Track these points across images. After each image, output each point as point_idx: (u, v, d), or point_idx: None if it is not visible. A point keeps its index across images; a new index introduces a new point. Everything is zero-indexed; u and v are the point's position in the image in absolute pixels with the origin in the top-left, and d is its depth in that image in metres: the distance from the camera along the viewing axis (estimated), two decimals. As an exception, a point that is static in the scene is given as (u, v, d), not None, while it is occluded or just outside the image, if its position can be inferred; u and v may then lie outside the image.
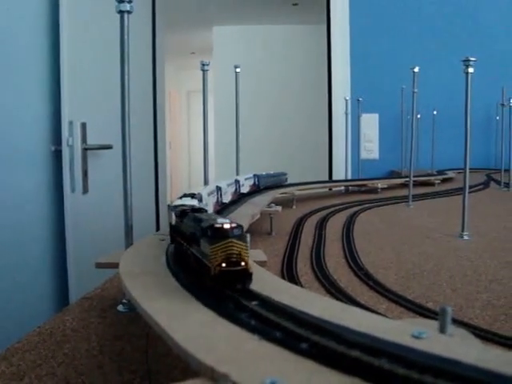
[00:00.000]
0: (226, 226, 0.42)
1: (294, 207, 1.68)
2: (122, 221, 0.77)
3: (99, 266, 0.70)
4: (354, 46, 2.80)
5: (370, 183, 2.17)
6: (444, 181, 2.37)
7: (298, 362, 0.31)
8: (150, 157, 2.72)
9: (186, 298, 0.44)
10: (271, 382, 0.28)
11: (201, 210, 0.58)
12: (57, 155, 1.68)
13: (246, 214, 1.07)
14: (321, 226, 1.33)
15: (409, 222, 1.45)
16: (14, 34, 1.52)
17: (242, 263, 0.41)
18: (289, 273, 0.88)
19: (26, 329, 0.64)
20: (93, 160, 1.83)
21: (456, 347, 0.31)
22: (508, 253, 1.03)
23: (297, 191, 1.73)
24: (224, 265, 0.40)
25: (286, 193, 1.66)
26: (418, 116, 2.38)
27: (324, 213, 1.55)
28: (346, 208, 1.66)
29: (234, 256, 0.41)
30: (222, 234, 0.41)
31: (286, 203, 1.63)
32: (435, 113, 2.70)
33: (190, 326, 0.37)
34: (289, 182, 1.78)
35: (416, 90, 1.62)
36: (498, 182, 2.25)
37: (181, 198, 0.75)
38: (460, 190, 1.28)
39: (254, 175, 1.44)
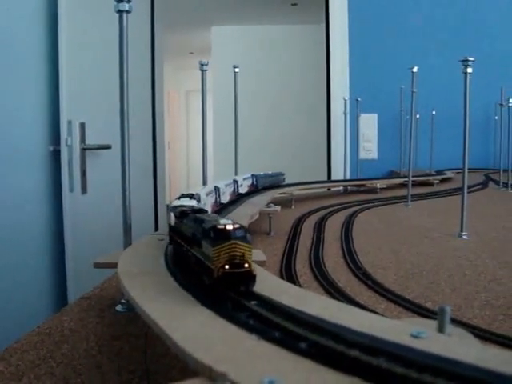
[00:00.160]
0: (229, 226, 0.41)
1: (293, 207, 1.68)
2: (121, 220, 0.77)
3: (97, 266, 0.70)
4: (353, 45, 2.80)
5: (368, 183, 2.17)
6: (443, 181, 2.37)
7: (297, 361, 0.31)
8: (149, 157, 2.73)
9: (184, 297, 0.44)
10: (269, 382, 0.28)
11: (201, 211, 0.57)
12: (55, 155, 1.68)
13: (244, 214, 1.07)
14: (320, 225, 1.33)
15: (408, 221, 1.45)
16: (13, 34, 1.52)
17: (246, 265, 0.40)
18: (287, 273, 0.87)
19: (24, 329, 0.64)
20: (91, 160, 1.82)
21: (455, 347, 0.31)
22: (507, 253, 1.03)
23: (296, 191, 1.73)
24: (227, 267, 0.40)
25: (284, 193, 1.66)
26: (417, 116, 2.39)
27: (323, 213, 1.55)
28: (345, 208, 1.66)
29: (238, 258, 0.40)
30: (224, 235, 0.40)
31: (284, 203, 1.63)
32: (434, 113, 2.70)
33: (189, 325, 0.37)
34: (288, 181, 1.78)
35: (415, 90, 1.62)
36: (497, 182, 2.25)
37: (179, 198, 0.75)
38: (459, 190, 1.28)
39: (252, 175, 1.44)
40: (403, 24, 2.87)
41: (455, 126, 1.69)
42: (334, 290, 0.77)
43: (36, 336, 0.61)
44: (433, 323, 0.36)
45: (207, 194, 0.93)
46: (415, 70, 1.59)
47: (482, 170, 2.73)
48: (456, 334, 0.36)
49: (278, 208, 1.25)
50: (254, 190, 1.43)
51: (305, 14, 4.44)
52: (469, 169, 1.19)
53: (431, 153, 2.71)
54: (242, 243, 0.40)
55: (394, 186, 2.20)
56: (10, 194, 1.50)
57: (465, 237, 1.16)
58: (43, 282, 1.66)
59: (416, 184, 2.12)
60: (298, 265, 0.93)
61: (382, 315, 0.60)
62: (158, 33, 2.88)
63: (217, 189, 1.04)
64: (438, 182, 2.32)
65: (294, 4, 4.44)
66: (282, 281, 0.50)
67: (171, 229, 0.61)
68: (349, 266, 0.92)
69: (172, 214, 0.60)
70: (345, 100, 2.49)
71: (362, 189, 2.18)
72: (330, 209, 1.63)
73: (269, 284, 0.45)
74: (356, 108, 2.54)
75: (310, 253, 1.02)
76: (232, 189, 1.20)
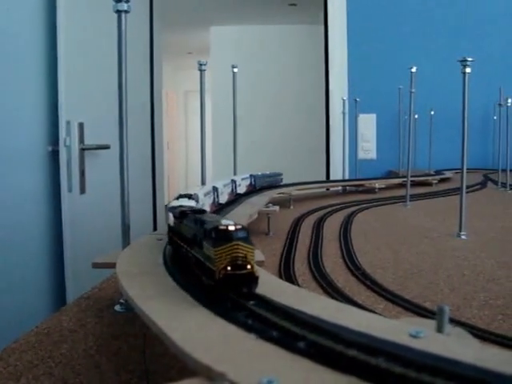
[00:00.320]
0: (231, 227, 0.40)
1: (292, 207, 1.68)
2: (119, 221, 0.77)
3: (96, 266, 0.70)
4: (352, 46, 2.80)
5: (367, 183, 2.17)
6: (441, 181, 2.38)
7: (295, 360, 0.31)
8: (148, 157, 2.72)
9: (183, 297, 0.44)
10: (268, 381, 0.28)
11: (201, 212, 0.57)
12: (54, 155, 1.68)
13: (243, 214, 1.07)
14: (318, 225, 1.33)
15: (406, 221, 1.45)
16: (12, 34, 1.52)
17: (248, 266, 0.40)
18: (286, 273, 0.87)
19: (23, 329, 0.64)
20: (90, 160, 1.82)
21: (453, 346, 0.31)
22: (505, 253, 1.03)
23: (294, 191, 1.73)
24: (229, 268, 0.39)
25: (283, 193, 1.66)
26: (416, 116, 2.38)
27: (321, 213, 1.55)
28: (344, 208, 1.66)
29: (240, 259, 0.39)
30: (226, 236, 0.40)
31: (283, 203, 1.63)
32: (433, 113, 2.70)
33: (187, 325, 0.37)
34: (286, 181, 1.78)
35: (413, 90, 1.62)
36: (496, 182, 2.26)
37: (177, 198, 0.75)
38: (457, 190, 1.28)
39: (251, 175, 1.43)
40: (402, 24, 2.87)
41: (454, 126, 1.69)
42: (332, 290, 0.77)
43: (34, 336, 0.61)
44: (431, 323, 0.36)
45: (205, 195, 0.93)
46: (414, 70, 1.59)
47: (481, 170, 2.73)
48: (455, 334, 0.36)
49: (277, 208, 1.25)
50: (252, 190, 1.43)
51: (303, 15, 4.44)
52: (467, 169, 1.19)
53: (430, 153, 2.71)
54: (245, 244, 0.40)
55: (392, 186, 2.21)
56: (9, 194, 1.50)
57: (463, 237, 1.16)
58: (42, 282, 1.66)
59: (415, 184, 2.12)
60: (297, 265, 0.93)
61: (381, 315, 0.60)
62: (157, 33, 2.88)
63: (215, 189, 1.04)
64: (436, 182, 2.32)
65: (293, 4, 4.44)
66: (280, 281, 0.50)
67: (170, 229, 0.61)
68: (347, 266, 0.92)
69: (171, 215, 0.60)
70: (343, 100, 2.49)
71: (360, 189, 2.18)
72: (329, 209, 1.63)
73: (267, 284, 0.45)
74: (355, 108, 2.54)
75: (309, 253, 1.02)
76: (230, 189, 1.20)
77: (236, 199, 1.26)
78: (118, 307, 0.70)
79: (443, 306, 0.35)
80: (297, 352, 0.31)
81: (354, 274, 0.86)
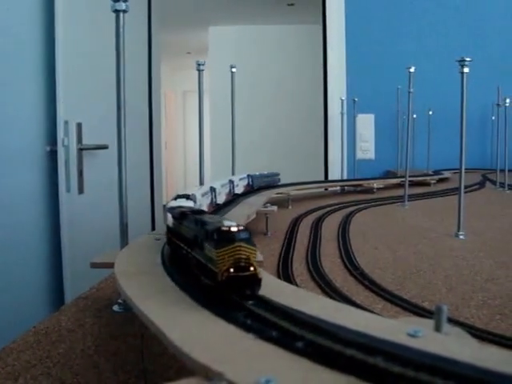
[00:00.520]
0: (233, 228, 0.39)
1: (290, 207, 1.68)
2: (118, 220, 0.77)
3: (94, 265, 0.70)
4: (350, 46, 2.80)
5: (365, 183, 2.18)
6: (440, 181, 2.38)
7: (293, 360, 0.31)
8: (146, 157, 2.72)
9: (181, 297, 0.44)
10: (266, 381, 0.28)
11: (201, 212, 0.56)
12: (52, 155, 1.68)
13: (241, 215, 1.07)
14: (316, 225, 1.33)
15: (405, 221, 1.45)
16: (10, 34, 1.51)
17: (251, 268, 0.39)
18: (284, 273, 0.87)
19: (21, 329, 0.63)
20: (88, 160, 1.82)
21: (451, 346, 0.31)
22: (503, 252, 1.04)
23: (292, 191, 1.73)
24: (232, 270, 0.38)
25: (281, 193, 1.66)
26: (414, 116, 2.39)
27: (320, 213, 1.55)
28: (342, 208, 1.66)
29: (243, 261, 0.39)
30: (229, 237, 0.39)
31: (281, 203, 1.63)
32: (431, 113, 2.70)
33: (185, 325, 0.37)
34: (285, 182, 1.78)
35: (412, 90, 1.62)
36: (494, 182, 2.26)
37: (175, 199, 0.74)
38: (456, 190, 1.28)
39: (248, 175, 1.43)
40: (400, 24, 2.88)
41: (452, 126, 1.69)
42: (331, 290, 0.77)
43: (33, 336, 0.61)
44: (430, 323, 0.36)
45: (203, 195, 0.93)
46: (412, 70, 1.59)
47: (479, 170, 2.73)
48: (453, 333, 0.36)
49: (275, 208, 1.25)
50: (250, 191, 1.43)
51: (302, 15, 4.45)
52: (466, 169, 1.19)
53: (428, 153, 2.71)
54: (247, 245, 0.39)
55: (390, 186, 2.21)
56: (7, 194, 1.50)
57: (462, 237, 1.16)
58: (40, 282, 1.66)
59: (413, 184, 2.12)
60: (295, 265, 0.93)
61: (379, 315, 0.61)
62: (155, 33, 2.88)
63: (212, 189, 1.04)
64: (434, 182, 2.32)
65: (291, 4, 4.44)
66: (279, 281, 0.50)
67: (169, 230, 0.60)
68: (346, 266, 0.92)
69: (169, 215, 0.60)
70: (342, 100, 2.49)
71: (359, 189, 2.18)
72: (327, 209, 1.63)
73: (266, 284, 0.45)
74: (353, 108, 2.54)
75: (307, 253, 1.02)
76: (228, 189, 1.20)
77: (234, 199, 1.25)
78: (116, 307, 0.70)
79: (441, 306, 0.35)
80: (295, 352, 0.31)
81: (352, 274, 0.86)
